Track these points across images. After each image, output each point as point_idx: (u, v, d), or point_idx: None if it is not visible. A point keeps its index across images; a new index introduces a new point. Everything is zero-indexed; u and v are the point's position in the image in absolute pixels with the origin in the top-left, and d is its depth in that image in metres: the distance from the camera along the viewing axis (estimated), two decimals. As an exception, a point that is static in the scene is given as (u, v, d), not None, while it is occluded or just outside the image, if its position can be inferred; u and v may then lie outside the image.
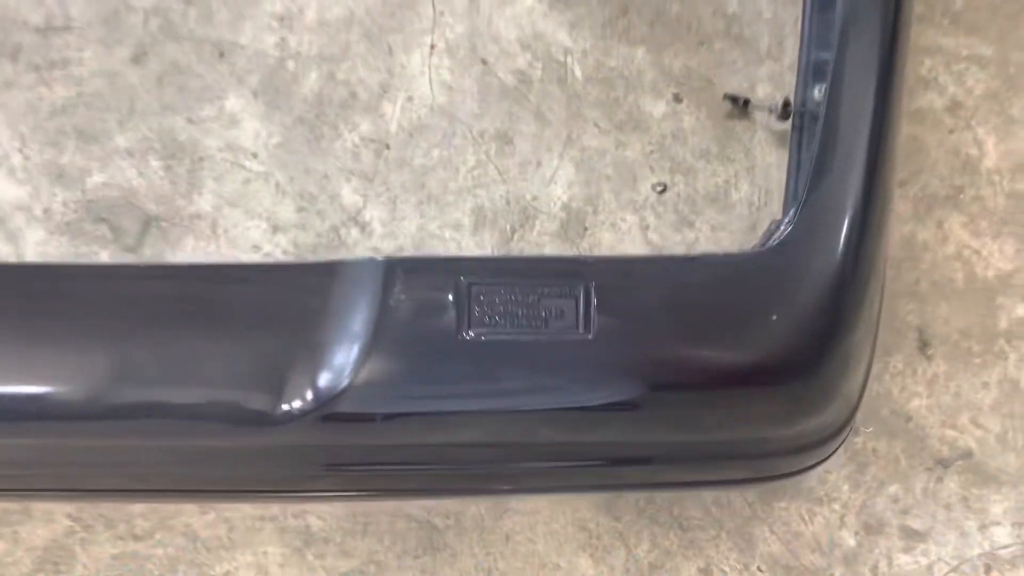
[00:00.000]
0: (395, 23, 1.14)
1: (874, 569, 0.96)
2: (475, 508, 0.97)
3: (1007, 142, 1.09)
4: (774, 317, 0.65)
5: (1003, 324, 1.03)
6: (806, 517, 0.97)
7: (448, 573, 0.96)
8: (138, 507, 0.97)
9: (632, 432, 0.68)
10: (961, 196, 1.07)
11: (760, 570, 0.96)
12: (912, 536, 0.97)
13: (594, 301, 0.63)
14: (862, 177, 0.68)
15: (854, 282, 0.68)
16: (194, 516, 0.97)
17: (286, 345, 0.64)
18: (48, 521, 0.97)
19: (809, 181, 0.69)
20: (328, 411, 0.64)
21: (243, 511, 0.97)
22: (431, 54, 1.13)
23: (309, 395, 0.64)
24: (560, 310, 0.63)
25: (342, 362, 0.63)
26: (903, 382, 1.01)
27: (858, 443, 0.99)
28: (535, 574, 0.96)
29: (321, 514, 0.97)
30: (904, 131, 1.07)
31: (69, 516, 0.97)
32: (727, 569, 0.96)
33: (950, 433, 1.00)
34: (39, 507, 0.97)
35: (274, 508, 0.97)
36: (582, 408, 0.65)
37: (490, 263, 0.81)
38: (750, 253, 0.70)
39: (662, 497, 0.97)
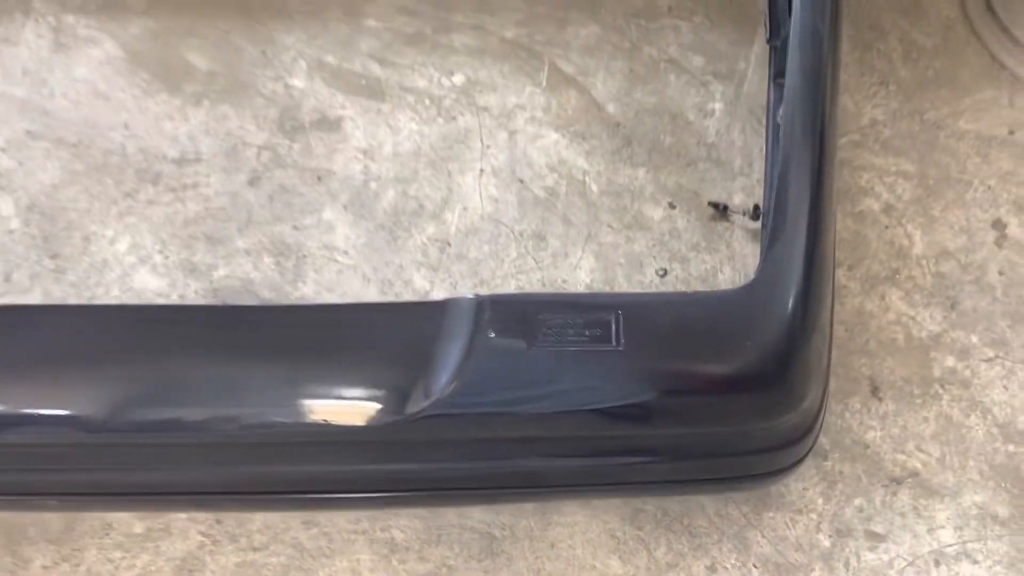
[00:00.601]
0: (452, 154, 1.48)
1: (846, 564, 1.20)
2: (526, 521, 1.22)
3: (930, 235, 1.41)
4: (745, 339, 0.94)
5: (936, 373, 1.31)
6: (789, 524, 1.22)
7: (505, 574, 1.19)
8: (256, 523, 1.22)
9: (649, 424, 0.94)
10: (897, 276, 1.38)
11: (755, 566, 1.19)
12: (875, 538, 1.21)
13: (623, 323, 0.92)
14: (803, 240, 0.98)
15: (802, 312, 0.96)
16: (300, 531, 1.21)
17: (409, 358, 0.92)
18: (184, 537, 1.22)
19: (766, 247, 1.00)
20: (437, 410, 0.91)
21: (340, 525, 1.21)
22: (480, 176, 1.46)
23: (423, 397, 0.91)
24: (599, 329, 0.91)
25: (449, 370, 0.90)
26: (861, 419, 1.28)
27: (827, 466, 1.25)
28: (576, 574, 1.19)
29: (403, 527, 1.21)
30: (850, 228, 1.40)
31: (200, 532, 1.22)
32: (728, 567, 1.19)
33: (900, 457, 1.26)
34: (177, 525, 1.22)
35: (364, 523, 1.21)
36: (614, 405, 0.93)
37: (548, 296, 1.10)
38: (728, 291, 0.99)
39: (675, 510, 1.22)
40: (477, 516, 1.22)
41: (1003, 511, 1.22)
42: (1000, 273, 1.38)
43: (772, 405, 0.98)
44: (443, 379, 0.91)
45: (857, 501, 1.23)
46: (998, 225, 1.41)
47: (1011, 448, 1.26)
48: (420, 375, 0.92)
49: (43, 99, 1.54)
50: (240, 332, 1.00)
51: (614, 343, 0.92)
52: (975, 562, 1.19)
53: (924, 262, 1.39)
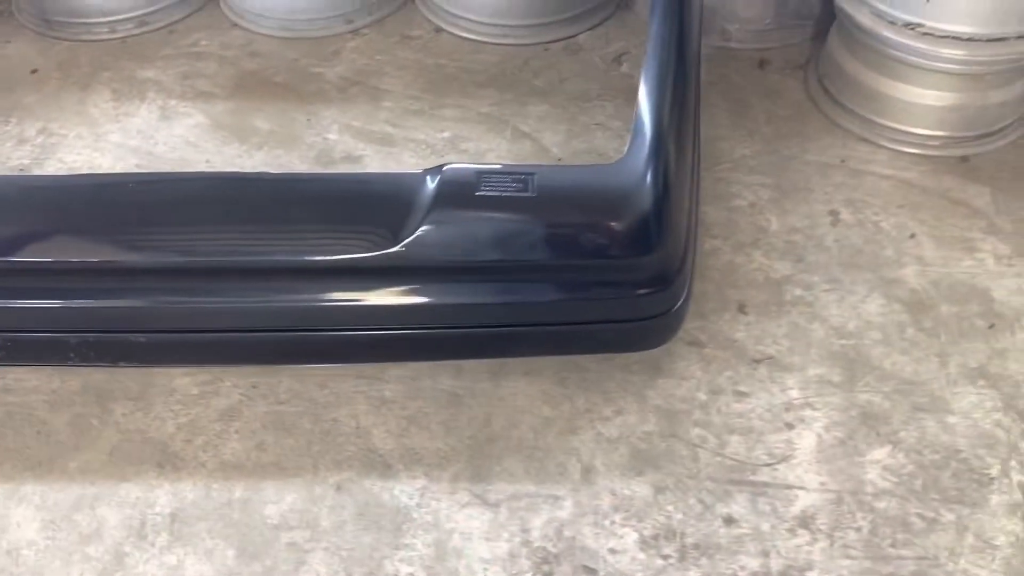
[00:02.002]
0: None
1: (719, 411, 1.60)
2: (482, 384, 1.65)
3: (783, 219, 1.93)
4: (614, 199, 1.45)
5: (788, 297, 1.78)
6: (675, 386, 1.64)
7: (464, 417, 1.61)
8: (283, 386, 1.65)
9: (547, 252, 1.44)
10: (759, 241, 1.89)
11: (650, 412, 1.60)
12: (741, 395, 1.63)
13: (535, 181, 1.44)
14: (659, 130, 1.51)
15: (657, 184, 1.46)
16: (315, 390, 1.64)
17: (392, 209, 1.44)
18: (228, 396, 1.65)
19: (631, 134, 1.54)
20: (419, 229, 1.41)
21: (344, 386, 1.64)
22: None
23: (405, 234, 1.41)
24: (521, 184, 1.44)
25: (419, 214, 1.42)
26: (730, 325, 1.74)
27: (705, 352, 1.69)
28: (517, 416, 1.61)
29: (391, 389, 1.64)
30: (724, 215, 1.93)
31: (240, 393, 1.65)
32: (630, 412, 1.61)
33: (760, 347, 1.70)
34: (224, 387, 1.65)
35: (363, 385, 1.64)
36: (526, 235, 1.43)
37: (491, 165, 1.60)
38: (605, 165, 1.54)
39: (591, 377, 1.65)
40: (446, 382, 1.66)
41: (836, 378, 1.64)
42: (835, 241, 1.89)
43: (637, 251, 1.47)
44: (420, 214, 1.43)
45: (727, 373, 1.66)
46: (833, 214, 1.95)
47: (843, 342, 1.70)
48: (405, 218, 1.43)
49: (150, 146, 2.16)
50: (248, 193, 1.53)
51: (530, 191, 1.44)
52: (815, 409, 1.60)
53: (779, 235, 1.91)
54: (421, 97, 2.27)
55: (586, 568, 1.41)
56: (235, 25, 2.54)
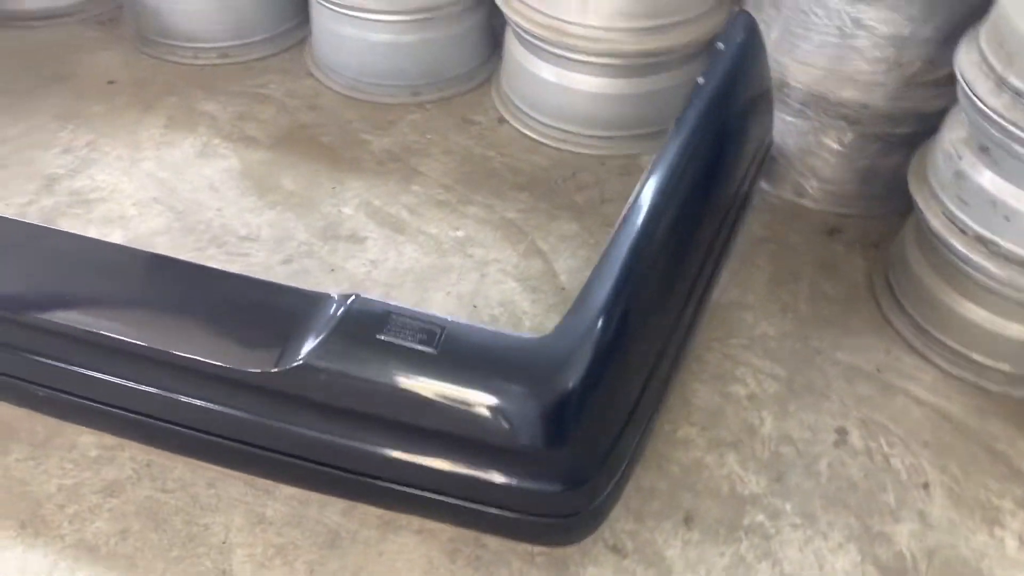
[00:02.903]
0: (433, 277, 1.93)
1: None
2: (368, 532, 1.50)
3: (780, 423, 1.67)
4: (525, 377, 1.27)
5: (745, 522, 1.52)
6: (574, 595, 1.43)
7: (335, 564, 1.46)
8: (176, 472, 1.57)
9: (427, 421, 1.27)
10: (740, 444, 1.63)
11: (532, 618, 1.40)
12: None
13: (444, 336, 1.28)
14: (598, 311, 1.31)
15: (580, 369, 1.27)
16: (201, 488, 1.55)
17: (290, 328, 1.32)
18: (120, 467, 1.58)
19: (569, 311, 1.35)
20: (299, 365, 1.28)
21: (231, 493, 1.54)
22: (447, 295, 1.88)
23: (293, 357, 1.29)
24: (426, 336, 1.28)
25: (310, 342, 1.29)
26: (667, 538, 1.50)
27: (624, 564, 1.46)
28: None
29: (276, 508, 1.52)
30: (715, 402, 1.69)
31: (133, 468, 1.58)
32: (511, 611, 1.41)
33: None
34: (122, 457, 1.59)
35: (249, 497, 1.53)
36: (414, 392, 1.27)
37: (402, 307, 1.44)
38: (528, 338, 1.35)
39: (489, 556, 1.46)
40: (333, 517, 1.52)
41: (761, 642, 1.38)
42: (829, 466, 1.61)
43: (540, 441, 1.28)
44: (312, 343, 1.30)
45: None
46: (841, 432, 1.66)
47: (788, 597, 1.43)
48: (294, 341, 1.31)
49: (175, 182, 2.16)
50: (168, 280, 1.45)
51: (433, 348, 1.29)
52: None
53: (767, 441, 1.64)
54: (452, 188, 2.16)
55: None
56: (310, 74, 2.52)
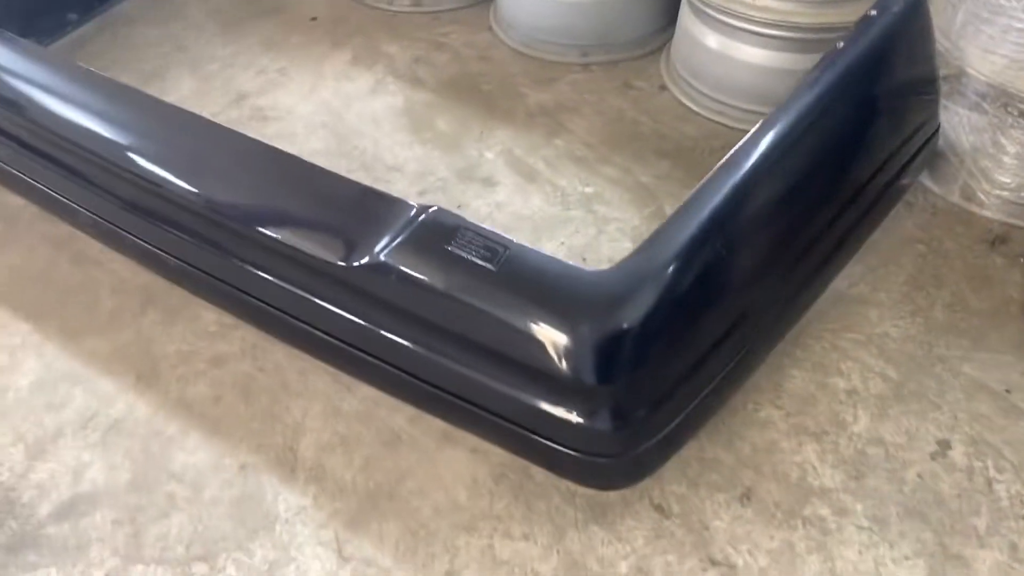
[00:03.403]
0: (550, 227, 1.95)
1: (627, 592, 1.35)
2: (427, 440, 1.55)
3: (876, 423, 1.54)
4: (580, 308, 1.27)
5: (806, 512, 1.42)
6: (602, 543, 1.40)
7: (390, 463, 1.53)
8: (275, 356, 1.70)
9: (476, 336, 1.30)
10: (825, 436, 1.53)
11: (556, 555, 1.39)
12: (665, 589, 1.35)
13: (507, 256, 1.30)
14: (669, 253, 1.27)
15: (640, 299, 1.25)
16: (293, 375, 1.67)
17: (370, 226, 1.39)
18: (230, 344, 1.74)
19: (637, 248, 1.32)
20: (374, 260, 1.36)
21: (318, 383, 1.65)
22: (559, 246, 1.90)
23: (368, 253, 1.37)
24: (489, 253, 1.31)
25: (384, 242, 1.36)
26: (717, 509, 1.44)
27: (664, 524, 1.42)
28: (430, 485, 1.49)
29: (354, 403, 1.62)
30: (808, 390, 1.60)
31: (241, 345, 1.73)
32: (535, 544, 1.41)
33: (729, 549, 1.39)
34: (237, 335, 1.75)
35: (332, 387, 1.64)
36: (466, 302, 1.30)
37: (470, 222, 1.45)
38: (590, 271, 1.34)
39: (532, 487, 1.47)
40: (399, 422, 1.59)
41: (789, 632, 1.29)
42: (919, 476, 1.47)
43: (587, 372, 1.27)
44: (384, 243, 1.37)
45: (668, 558, 1.38)
46: (943, 444, 1.51)
47: (833, 596, 1.33)
48: (371, 239, 1.39)
49: (343, 111, 2.32)
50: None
51: (493, 265, 1.31)
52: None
53: (856, 439, 1.52)
54: (594, 146, 2.16)
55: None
56: (489, 28, 2.61)
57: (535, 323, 1.28)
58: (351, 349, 1.50)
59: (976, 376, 1.61)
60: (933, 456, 1.50)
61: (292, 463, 1.54)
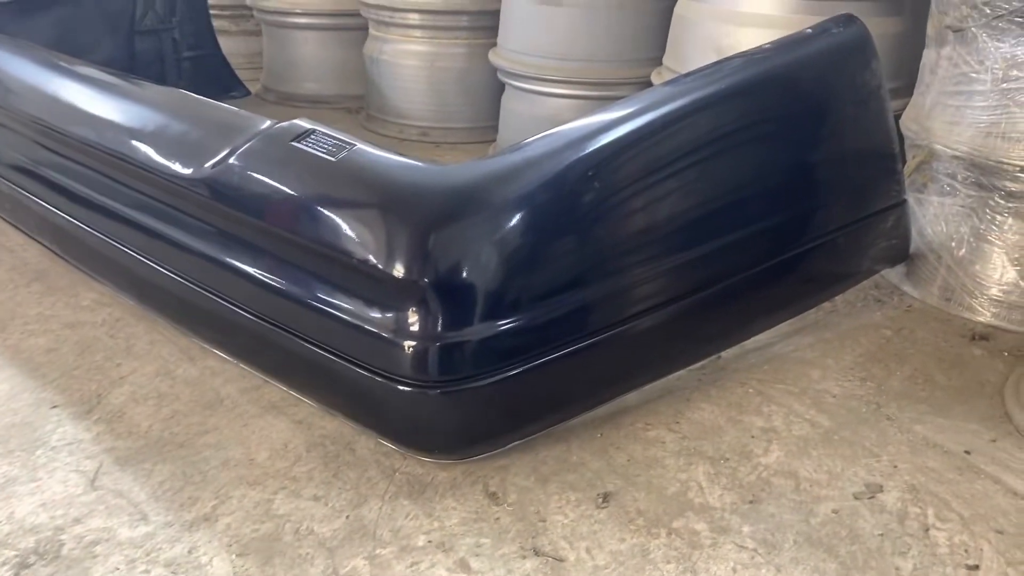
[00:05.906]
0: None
1: (414, 564, 1.02)
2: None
3: (790, 460, 1.23)
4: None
5: (677, 524, 1.10)
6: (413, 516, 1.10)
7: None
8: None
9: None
10: (726, 461, 1.23)
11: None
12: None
13: (352, 152, 1.18)
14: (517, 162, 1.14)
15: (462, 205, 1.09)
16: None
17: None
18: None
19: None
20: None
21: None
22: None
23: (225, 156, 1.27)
24: (335, 148, 1.19)
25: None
26: (571, 508, 1.13)
27: (493, 511, 1.12)
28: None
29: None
30: (714, 421, 1.32)
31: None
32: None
33: (543, 540, 1.07)
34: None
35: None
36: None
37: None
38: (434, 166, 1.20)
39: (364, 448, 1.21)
40: (228, 390, 1.38)
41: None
42: (834, 512, 1.13)
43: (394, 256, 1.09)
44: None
45: (483, 539, 1.07)
46: (873, 487, 1.18)
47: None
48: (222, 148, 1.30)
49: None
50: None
51: (334, 157, 1.19)
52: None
53: (761, 468, 1.22)
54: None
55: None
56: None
57: (363, 212, 1.14)
58: (191, 284, 1.35)
59: (929, 436, 1.30)
60: (857, 496, 1.17)
61: (93, 405, 1.33)
